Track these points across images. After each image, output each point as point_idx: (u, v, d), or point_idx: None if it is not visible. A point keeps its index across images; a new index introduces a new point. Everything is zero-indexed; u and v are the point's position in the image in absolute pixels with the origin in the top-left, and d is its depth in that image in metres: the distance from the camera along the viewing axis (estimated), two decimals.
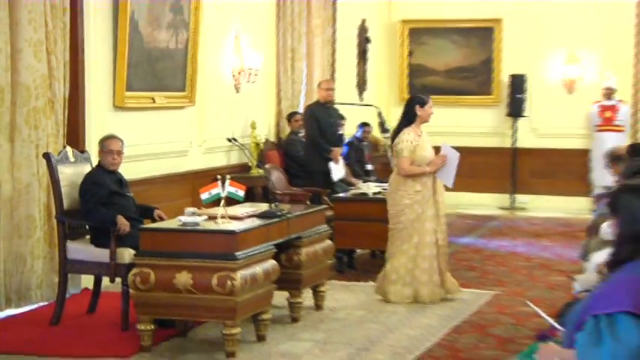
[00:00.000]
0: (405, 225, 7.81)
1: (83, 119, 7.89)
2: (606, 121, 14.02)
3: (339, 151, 10.38)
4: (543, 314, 4.54)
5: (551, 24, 14.44)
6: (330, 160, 10.14)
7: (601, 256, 5.72)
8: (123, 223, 6.56)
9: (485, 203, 14.52)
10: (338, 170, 10.22)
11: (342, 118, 11.01)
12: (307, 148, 10.46)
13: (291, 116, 11.27)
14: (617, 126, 14.01)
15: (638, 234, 3.57)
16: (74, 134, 7.70)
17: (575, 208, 14.01)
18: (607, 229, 5.85)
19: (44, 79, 7.30)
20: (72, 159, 7.01)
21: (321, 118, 10.27)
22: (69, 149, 7.13)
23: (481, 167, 14.67)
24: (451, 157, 8.11)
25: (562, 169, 14.52)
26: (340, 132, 10.74)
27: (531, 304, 5.05)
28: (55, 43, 7.37)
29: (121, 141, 6.99)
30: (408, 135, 7.92)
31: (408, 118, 8.04)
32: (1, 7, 6.87)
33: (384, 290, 7.81)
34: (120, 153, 6.96)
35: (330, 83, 10.87)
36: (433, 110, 8.20)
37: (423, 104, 8.08)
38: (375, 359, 6.07)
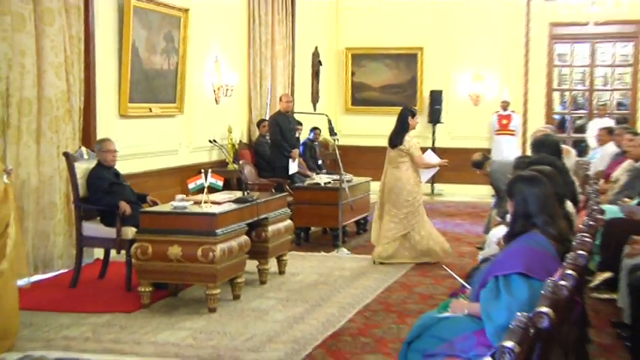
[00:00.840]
0: (420, 203, 8.03)
1: (95, 125, 7.83)
2: (503, 127, 14.15)
3: (296, 152, 10.37)
4: (456, 276, 4.59)
5: (462, 50, 14.53)
6: (290, 158, 10.12)
7: (499, 231, 5.77)
8: (125, 207, 6.54)
9: None
10: (294, 166, 10.21)
11: (299, 124, 10.98)
12: (271, 149, 10.42)
13: (259, 123, 11.22)
14: (510, 131, 14.16)
15: (527, 213, 3.63)
16: (87, 137, 7.63)
17: (479, 194, 14.10)
18: (493, 238, 5.91)
19: (63, 93, 7.25)
20: (86, 157, 6.95)
21: (283, 125, 10.23)
22: (83, 149, 7.06)
23: None
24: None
25: (469, 164, 14.55)
26: (297, 135, 10.72)
27: (447, 268, 5.11)
28: (72, 65, 7.36)
29: (114, 143, 6.99)
30: (412, 138, 8.20)
31: (403, 126, 8.12)
32: (29, 37, 6.84)
33: (428, 252, 7.94)
34: (115, 152, 6.96)
35: (289, 97, 10.81)
36: (418, 121, 8.35)
37: (413, 115, 8.22)
38: (326, 313, 6.07)
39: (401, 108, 8.53)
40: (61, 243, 7.24)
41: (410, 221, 7.93)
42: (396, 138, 8.06)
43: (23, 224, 6.80)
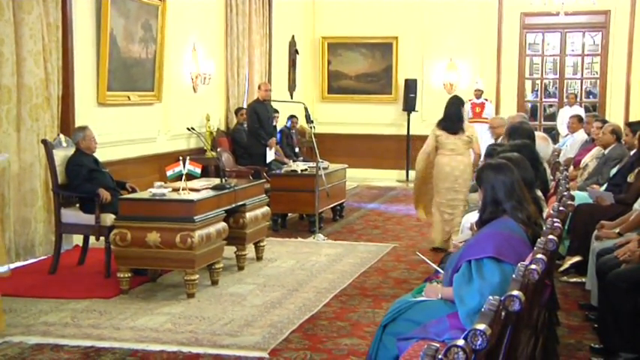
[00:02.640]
0: None
1: (73, 113, 7.76)
2: (476, 115, 14.18)
3: (274, 141, 10.34)
4: (429, 261, 4.61)
5: (436, 40, 14.58)
6: (267, 146, 10.09)
7: (472, 217, 5.80)
8: (104, 194, 6.49)
9: (386, 177, 14.62)
10: (271, 154, 10.20)
11: (276, 112, 10.97)
12: (249, 137, 10.38)
13: (237, 111, 11.19)
14: (484, 118, 14.17)
15: (496, 199, 3.66)
16: (66, 125, 7.56)
17: None
18: (467, 223, 5.94)
19: (42, 81, 7.17)
20: (64, 144, 6.88)
21: (261, 113, 10.18)
22: (62, 137, 6.99)
23: (383, 150, 14.80)
24: None
25: None
26: (274, 123, 10.68)
27: (420, 254, 5.13)
28: (50, 53, 7.27)
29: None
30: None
31: (460, 115, 8.09)
32: (8, 25, 6.74)
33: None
34: (95, 139, 6.91)
35: (268, 85, 10.74)
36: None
37: (463, 104, 8.26)
38: (303, 297, 6.08)
39: (452, 97, 8.44)
40: (42, 230, 7.18)
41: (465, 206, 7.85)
42: (457, 126, 7.96)
43: (4, 211, 6.75)
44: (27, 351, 4.77)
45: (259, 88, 10.65)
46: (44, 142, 6.73)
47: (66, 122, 7.59)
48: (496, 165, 3.79)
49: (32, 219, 7.08)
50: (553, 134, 14.42)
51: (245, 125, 10.80)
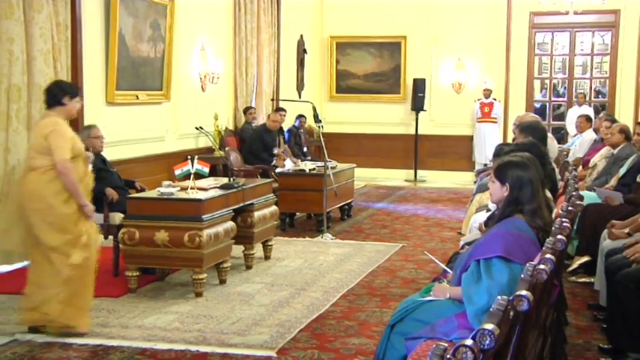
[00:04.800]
0: None
1: (82, 112, 7.72)
2: (485, 114, 14.20)
3: (282, 156, 10.23)
4: (437, 261, 4.60)
5: (444, 39, 14.55)
6: (276, 166, 10.01)
7: (480, 217, 5.80)
8: (111, 193, 6.53)
9: (394, 177, 14.60)
10: (289, 164, 10.16)
11: (283, 110, 10.93)
12: (249, 154, 10.29)
13: (246, 110, 11.20)
14: (492, 118, 14.22)
15: (519, 199, 3.63)
16: (75, 124, 7.52)
17: (461, 180, 14.21)
18: (474, 223, 5.92)
19: (52, 80, 7.16)
20: None
21: (267, 142, 10.20)
22: None
23: (392, 149, 14.80)
24: None
25: (452, 151, 14.69)
26: (275, 152, 10.50)
27: (428, 254, 5.12)
28: (59, 52, 7.28)
29: (100, 129, 6.97)
30: None
31: None
32: (18, 24, 6.75)
33: None
34: (103, 138, 6.94)
35: (277, 117, 10.54)
36: None
37: None
38: (311, 296, 6.09)
39: None
40: None
41: None
42: None
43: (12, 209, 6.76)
44: (36, 349, 4.79)
45: (268, 117, 10.61)
46: None
47: (74, 121, 7.54)
48: (521, 163, 3.71)
49: None
50: (562, 134, 14.40)
51: (254, 124, 10.82)
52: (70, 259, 4.93)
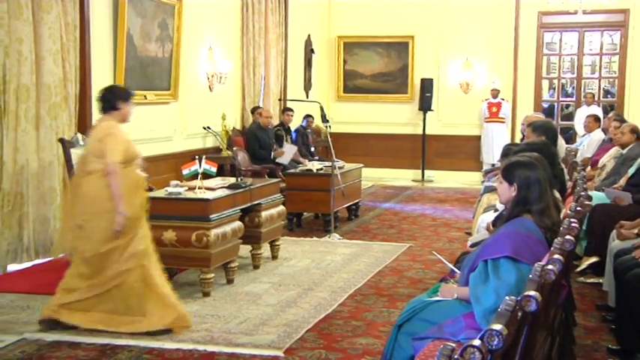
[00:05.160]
0: None
1: (90, 112, 7.78)
2: (492, 114, 14.18)
3: (279, 152, 10.29)
4: (445, 261, 4.60)
5: (452, 39, 14.53)
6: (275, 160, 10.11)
7: (487, 217, 5.79)
8: None
9: (402, 177, 14.59)
10: (286, 158, 10.18)
11: (290, 110, 10.93)
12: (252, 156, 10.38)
13: (254, 110, 11.21)
14: (500, 118, 14.19)
15: (527, 199, 3.62)
16: (83, 123, 7.60)
17: (469, 180, 14.19)
18: (482, 223, 5.92)
19: (61, 80, 7.23)
20: (81, 142, 6.91)
21: (262, 140, 10.25)
22: (79, 135, 7.05)
23: (399, 149, 14.79)
24: None
25: (459, 151, 14.67)
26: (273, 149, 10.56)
27: (436, 254, 5.12)
28: (68, 52, 7.32)
29: None
30: None
31: None
32: (27, 25, 6.78)
33: None
34: None
35: (269, 112, 10.66)
36: None
37: None
38: (318, 296, 6.09)
39: None
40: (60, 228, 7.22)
41: None
42: None
43: (23, 209, 6.80)
44: (44, 348, 4.80)
45: (260, 114, 10.58)
46: (62, 140, 6.77)
47: (83, 121, 7.63)
48: (529, 163, 3.71)
49: (51, 217, 7.11)
50: (570, 134, 14.36)
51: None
52: (120, 264, 5.04)
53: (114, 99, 5.24)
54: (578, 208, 4.30)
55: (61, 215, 5.93)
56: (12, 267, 6.81)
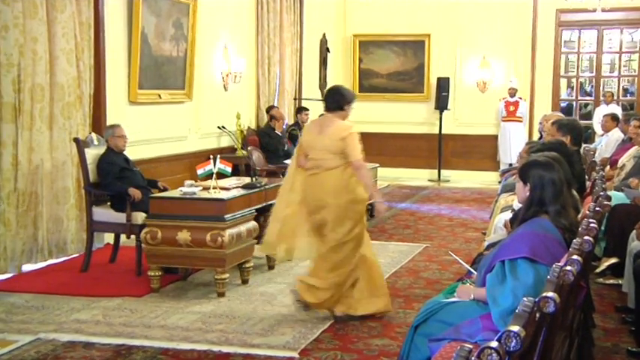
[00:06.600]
0: None
1: (105, 111, 7.84)
2: (510, 113, 14.11)
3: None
4: (462, 262, 4.59)
5: (469, 37, 14.47)
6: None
7: (505, 217, 5.76)
8: (135, 192, 6.56)
9: (418, 177, 14.56)
10: None
11: (305, 109, 10.93)
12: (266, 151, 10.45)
13: (269, 109, 11.22)
14: (518, 117, 14.12)
15: (542, 200, 3.60)
16: (97, 123, 7.65)
17: (485, 180, 14.13)
18: (499, 223, 5.90)
19: (74, 80, 7.26)
20: (96, 142, 6.97)
21: (275, 140, 10.44)
22: (93, 135, 7.08)
23: (415, 149, 14.76)
24: None
25: (476, 150, 14.61)
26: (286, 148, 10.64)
27: (452, 254, 5.10)
28: (82, 52, 7.36)
29: (123, 128, 7.03)
30: None
31: None
32: (41, 24, 6.82)
33: None
34: (126, 137, 6.99)
35: (284, 116, 10.87)
36: None
37: None
38: None
39: None
40: (74, 228, 7.26)
41: None
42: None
43: (38, 209, 6.85)
44: (59, 348, 4.83)
45: (276, 118, 10.70)
46: (76, 140, 6.81)
47: (97, 120, 7.67)
48: (545, 163, 3.68)
49: (64, 217, 7.17)
50: (589, 133, 14.27)
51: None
52: (359, 250, 5.54)
53: (342, 101, 5.55)
54: (597, 209, 4.27)
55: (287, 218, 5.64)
56: (27, 267, 6.86)
